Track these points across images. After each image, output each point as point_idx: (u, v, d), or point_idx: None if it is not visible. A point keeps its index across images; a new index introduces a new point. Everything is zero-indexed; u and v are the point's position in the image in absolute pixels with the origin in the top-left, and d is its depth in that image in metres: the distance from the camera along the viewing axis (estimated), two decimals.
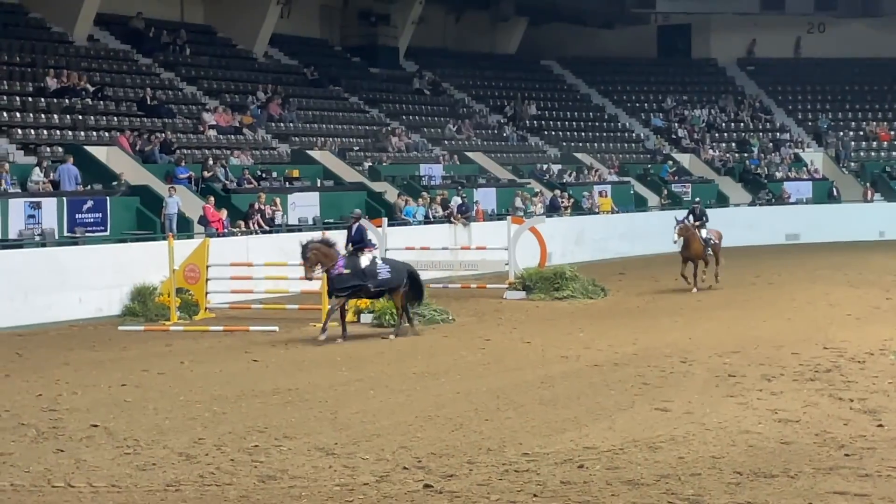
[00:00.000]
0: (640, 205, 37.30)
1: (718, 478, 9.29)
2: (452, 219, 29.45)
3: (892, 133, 44.22)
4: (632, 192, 38.00)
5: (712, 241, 23.18)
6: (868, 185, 40.84)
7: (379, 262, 16.13)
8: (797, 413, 11.79)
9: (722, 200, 39.54)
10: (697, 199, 27.11)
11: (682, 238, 22.53)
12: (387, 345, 17.61)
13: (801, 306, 21.52)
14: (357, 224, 16.55)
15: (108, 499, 9.00)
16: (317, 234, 16.01)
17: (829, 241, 36.59)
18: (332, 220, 27.75)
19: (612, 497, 8.81)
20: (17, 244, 22.58)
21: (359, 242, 16.08)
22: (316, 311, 20.44)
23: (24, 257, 22.07)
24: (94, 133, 27.44)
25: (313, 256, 14.90)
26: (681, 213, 25.09)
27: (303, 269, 15.03)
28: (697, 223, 23.23)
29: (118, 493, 9.15)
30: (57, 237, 23.89)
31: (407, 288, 16.05)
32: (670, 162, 40.80)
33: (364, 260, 15.65)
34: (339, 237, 23.12)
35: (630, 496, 8.82)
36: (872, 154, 44.20)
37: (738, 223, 36.17)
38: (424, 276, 23.85)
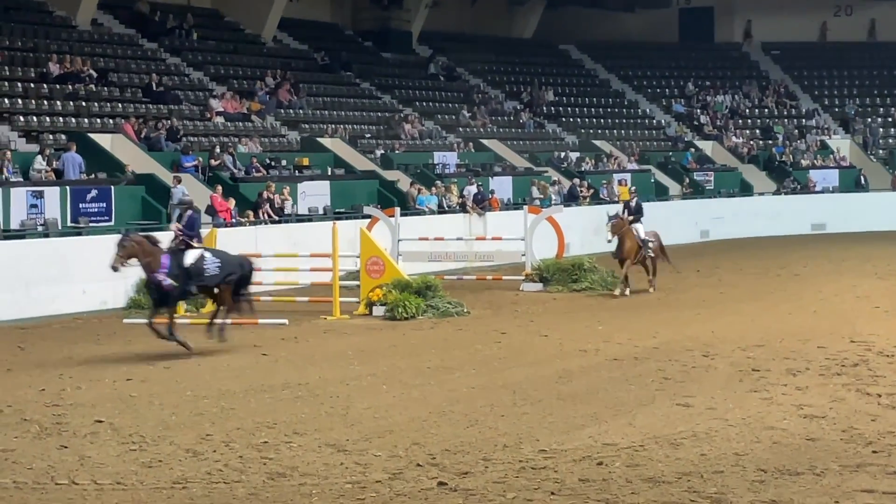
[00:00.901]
0: (661, 194, 36.71)
1: (742, 475, 9.15)
2: (468, 208, 28.97)
3: None
4: (652, 180, 37.27)
5: (650, 243, 21.37)
6: None
7: (207, 256, 14.89)
8: (823, 409, 11.59)
9: (746, 189, 39.12)
10: (634, 189, 25.66)
11: (615, 236, 21.10)
12: (399, 338, 17.32)
13: (828, 298, 21.28)
14: (189, 212, 15.21)
15: (112, 496, 8.88)
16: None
17: (856, 232, 35.95)
18: (343, 210, 27.53)
19: (632, 495, 8.62)
20: (20, 234, 22.41)
21: (190, 233, 14.73)
22: (327, 303, 20.26)
23: (26, 248, 21.77)
24: (98, 120, 27.18)
25: (130, 247, 13.82)
26: (613, 209, 23.13)
27: (114, 257, 13.97)
28: (631, 218, 21.49)
29: (123, 490, 9.03)
30: (60, 227, 23.64)
31: (235, 280, 14.77)
32: (692, 149, 40.43)
33: (189, 257, 14.49)
34: (349, 227, 23.92)
35: (651, 494, 8.66)
36: None
37: (762, 213, 36.58)
38: (439, 267, 24.96)
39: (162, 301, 14.17)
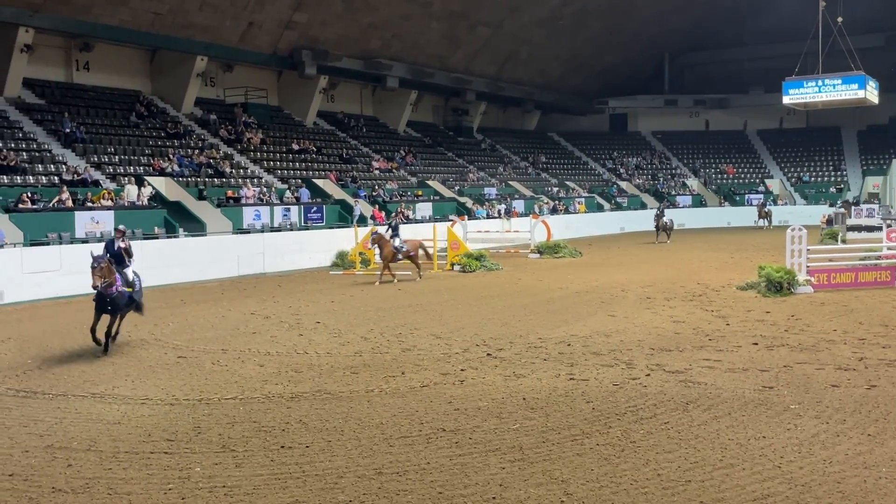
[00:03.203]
0: (599, 209, 48.10)
1: (641, 351, 11.90)
2: (501, 216, 38.40)
3: (735, 169, 56.90)
4: (595, 202, 49.04)
5: (404, 249, 22.72)
6: (722, 198, 53.56)
7: (136, 275, 13.60)
8: (683, 317, 14.76)
9: (643, 206, 50.88)
10: (395, 213, 27.83)
11: (376, 245, 22.44)
12: (467, 281, 21.69)
13: (686, 261, 26.13)
14: (121, 240, 13.56)
15: (324, 360, 11.93)
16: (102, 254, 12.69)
17: (699, 227, 47.57)
18: (438, 217, 35.37)
19: (585, 361, 11.38)
20: (278, 229, 28.88)
21: (117, 261, 13.05)
22: (429, 264, 24.68)
23: (283, 237, 28.16)
24: (317, 172, 35.60)
25: (104, 269, 12.49)
26: (380, 228, 24.97)
27: (93, 276, 12.43)
28: (392, 234, 23.05)
29: (329, 356, 12.16)
30: (299, 225, 30.07)
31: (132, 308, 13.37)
32: (615, 186, 53.07)
33: (129, 273, 13.40)
34: (441, 226, 28.11)
35: (595, 360, 11.42)
36: (724, 181, 56.67)
37: (650, 219, 42.35)
38: (486, 245, 28.85)
39: (113, 310, 12.76)
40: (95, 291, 12.59)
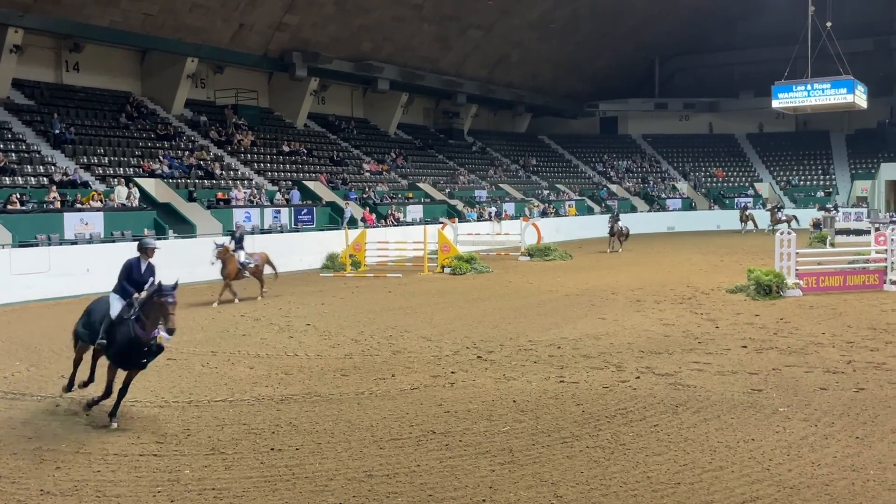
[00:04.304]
0: (590, 212, 48.06)
1: (631, 353, 11.85)
2: (492, 218, 37.90)
3: (724, 173, 57.28)
4: (585, 204, 49.00)
5: (250, 265, 20.02)
6: (711, 201, 54.01)
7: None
8: (672, 320, 14.68)
9: (633, 209, 51.11)
10: (239, 224, 22.95)
11: (220, 260, 19.51)
12: (457, 284, 21.54)
13: (675, 264, 26.23)
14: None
15: (315, 363, 11.80)
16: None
17: (690, 230, 47.92)
18: (429, 219, 35.16)
19: (574, 362, 11.39)
20: (269, 231, 29.01)
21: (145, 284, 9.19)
22: (420, 266, 24.74)
23: (273, 238, 27.90)
24: (308, 174, 35.42)
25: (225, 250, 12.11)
26: (221, 239, 22.19)
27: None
28: (237, 247, 20.17)
29: (319, 359, 12.04)
30: (289, 227, 30.15)
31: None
32: (606, 189, 53.32)
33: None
34: (432, 228, 27.46)
35: (584, 363, 11.38)
36: (714, 184, 56.77)
37: (641, 220, 48.03)
38: (477, 248, 28.72)
39: (146, 363, 9.36)
40: (127, 338, 8.97)
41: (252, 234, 26.89)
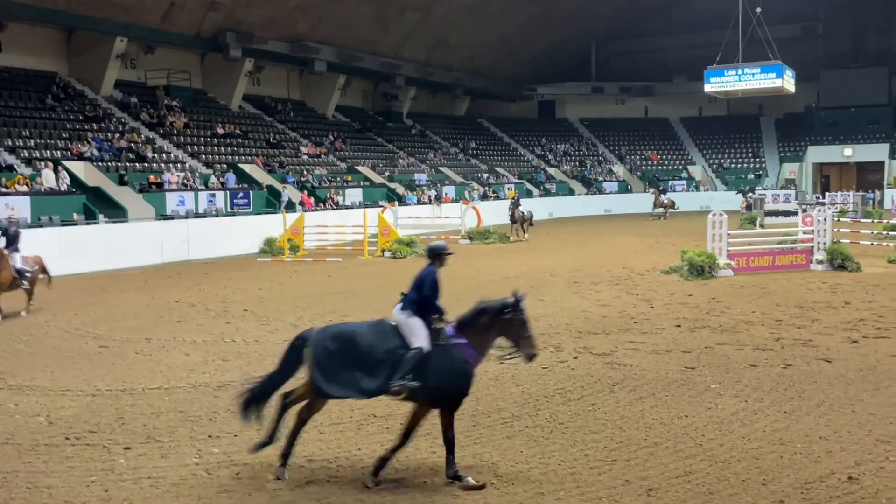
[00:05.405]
0: (528, 195, 48.12)
1: (569, 334, 12.23)
2: (432, 202, 38.31)
3: (659, 156, 58.70)
4: (525, 187, 49.37)
5: (27, 273, 15.75)
6: (647, 184, 54.95)
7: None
8: (609, 301, 15.24)
9: (571, 192, 51.99)
10: (12, 218, 17.96)
11: None
12: (397, 267, 21.35)
13: (611, 246, 27.03)
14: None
15: (253, 349, 12.02)
16: None
17: (625, 213, 49.69)
18: (368, 203, 35.65)
19: None
20: (203, 216, 28.73)
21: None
22: (360, 250, 24.61)
23: (208, 223, 28.17)
24: (243, 157, 35.35)
25: None
26: None
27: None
28: (10, 248, 15.58)
29: (258, 345, 12.25)
30: (225, 211, 29.96)
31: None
32: (544, 172, 54.06)
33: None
34: (372, 212, 27.85)
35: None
36: (648, 168, 58.42)
37: (579, 204, 49.80)
38: (417, 231, 28.95)
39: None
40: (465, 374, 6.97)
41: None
